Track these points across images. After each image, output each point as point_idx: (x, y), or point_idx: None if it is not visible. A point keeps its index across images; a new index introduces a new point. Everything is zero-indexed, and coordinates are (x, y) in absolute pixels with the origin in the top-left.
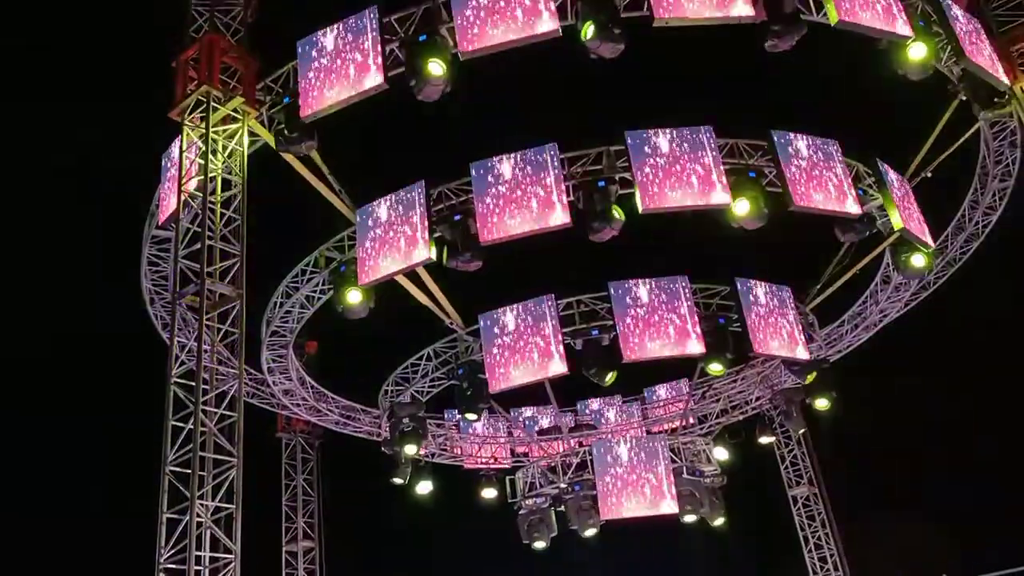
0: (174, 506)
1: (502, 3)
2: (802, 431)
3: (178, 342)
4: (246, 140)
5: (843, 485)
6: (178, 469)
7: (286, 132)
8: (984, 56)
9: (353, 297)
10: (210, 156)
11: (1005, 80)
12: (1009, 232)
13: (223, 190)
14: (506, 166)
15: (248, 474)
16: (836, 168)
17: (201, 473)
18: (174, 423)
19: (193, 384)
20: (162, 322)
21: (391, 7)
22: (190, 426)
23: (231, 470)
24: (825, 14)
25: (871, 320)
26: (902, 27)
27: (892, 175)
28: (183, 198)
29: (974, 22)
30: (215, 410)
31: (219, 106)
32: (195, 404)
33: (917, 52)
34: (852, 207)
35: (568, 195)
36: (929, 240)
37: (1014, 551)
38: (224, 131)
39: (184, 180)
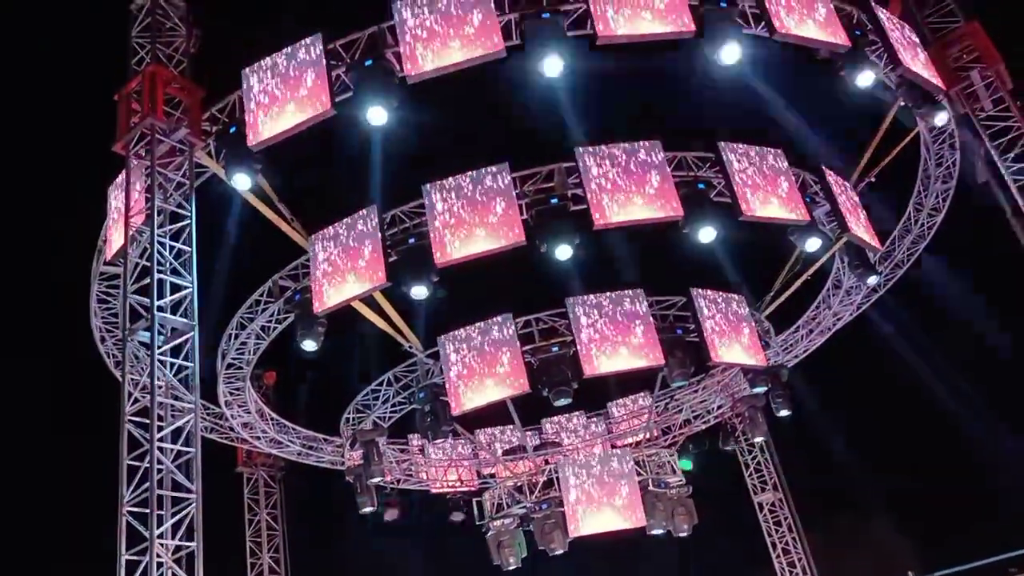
0: (133, 547)
1: (446, 26)
2: (764, 438)
3: (131, 379)
4: (193, 172)
5: (807, 489)
6: (136, 509)
7: (233, 162)
8: (919, 63)
9: (311, 345)
10: (156, 189)
11: (940, 85)
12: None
13: (172, 222)
14: (458, 186)
15: (209, 511)
16: (782, 176)
17: (160, 512)
18: (130, 462)
19: (148, 421)
20: (114, 360)
21: (335, 34)
22: (146, 464)
23: (190, 507)
24: (764, 27)
25: (825, 324)
26: (840, 38)
27: (837, 181)
28: (131, 233)
29: (908, 30)
30: (171, 447)
31: (164, 138)
32: (150, 441)
33: (864, 80)
34: (801, 214)
35: (521, 213)
36: (876, 243)
37: (975, 545)
38: (170, 163)
39: (131, 214)
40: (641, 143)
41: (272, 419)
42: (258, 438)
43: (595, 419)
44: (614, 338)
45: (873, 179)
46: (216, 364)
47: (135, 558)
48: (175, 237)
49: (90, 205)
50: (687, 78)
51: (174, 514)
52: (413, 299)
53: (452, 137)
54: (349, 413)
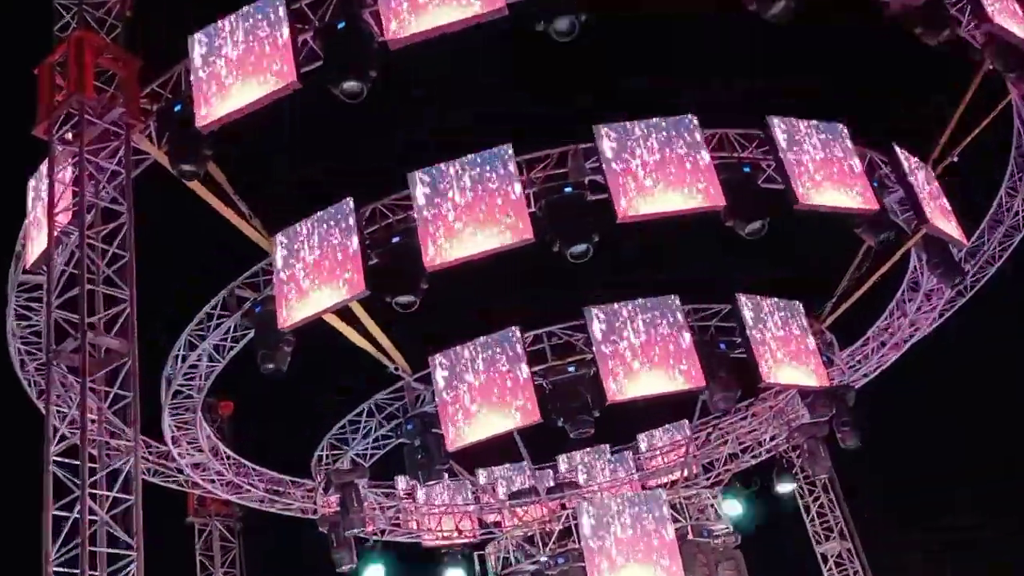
0: None
1: None
2: (828, 475)
3: (57, 412)
4: (130, 159)
5: (882, 537)
6: (64, 569)
7: (179, 147)
8: (1013, 18)
9: (275, 367)
10: (86, 181)
11: None
12: None
13: (105, 221)
14: (452, 174)
15: (153, 571)
16: (845, 156)
17: (93, 572)
18: (56, 512)
19: (78, 463)
20: (37, 388)
21: None
22: (76, 515)
23: (130, 567)
24: None
25: (901, 336)
26: None
27: (912, 162)
28: (55, 234)
29: None
30: (107, 493)
31: (94, 119)
32: (81, 487)
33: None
34: (869, 202)
35: (529, 205)
36: (960, 236)
37: None
38: (103, 149)
39: (56, 211)
40: (673, 118)
41: (229, 458)
42: (212, 481)
43: (621, 454)
44: (643, 356)
45: (956, 158)
46: (160, 393)
47: None
48: (109, 239)
49: (5, 200)
50: (728, 37)
51: (110, 575)
52: (399, 310)
53: (444, 114)
54: (322, 450)
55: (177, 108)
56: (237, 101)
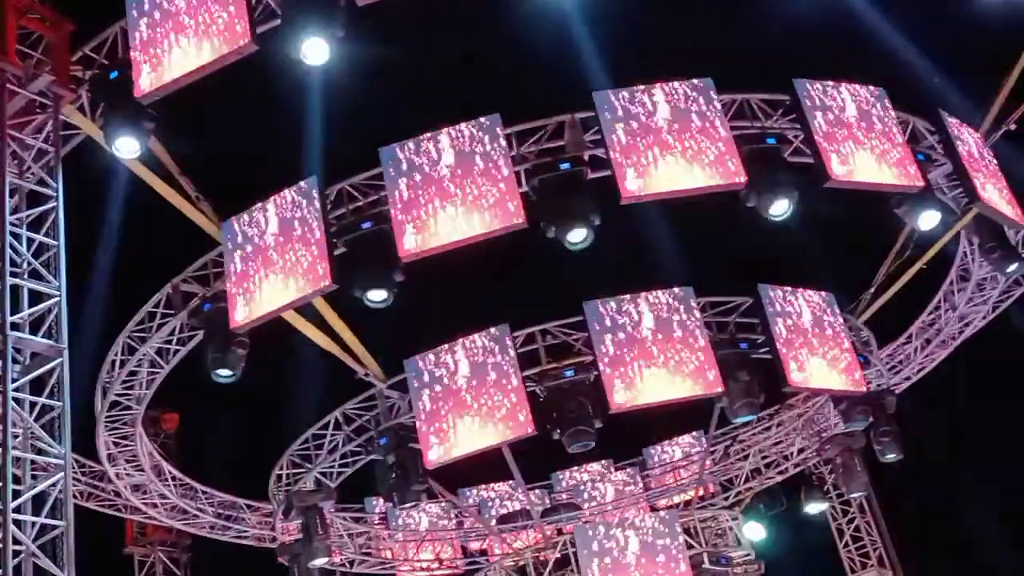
0: None
1: None
2: (865, 493)
3: None
4: (59, 135)
5: (928, 566)
6: None
7: (115, 120)
8: None
9: (227, 373)
10: (9, 159)
11: None
12: None
13: (31, 206)
14: (431, 149)
15: None
16: (885, 125)
17: None
18: None
19: None
20: None
21: None
22: None
23: None
24: None
25: (948, 332)
26: None
27: (964, 131)
28: None
29: None
30: (32, 519)
31: (18, 88)
32: (3, 512)
33: None
34: (911, 178)
35: (520, 184)
36: (1018, 216)
37: None
38: (28, 123)
39: None
40: (687, 82)
41: (174, 479)
42: (155, 506)
43: (627, 471)
44: (652, 357)
45: (1013, 126)
46: (95, 403)
47: None
48: (35, 226)
49: None
50: None
51: None
52: (369, 307)
53: (421, 80)
54: (282, 468)
55: (113, 75)
56: (182, 66)
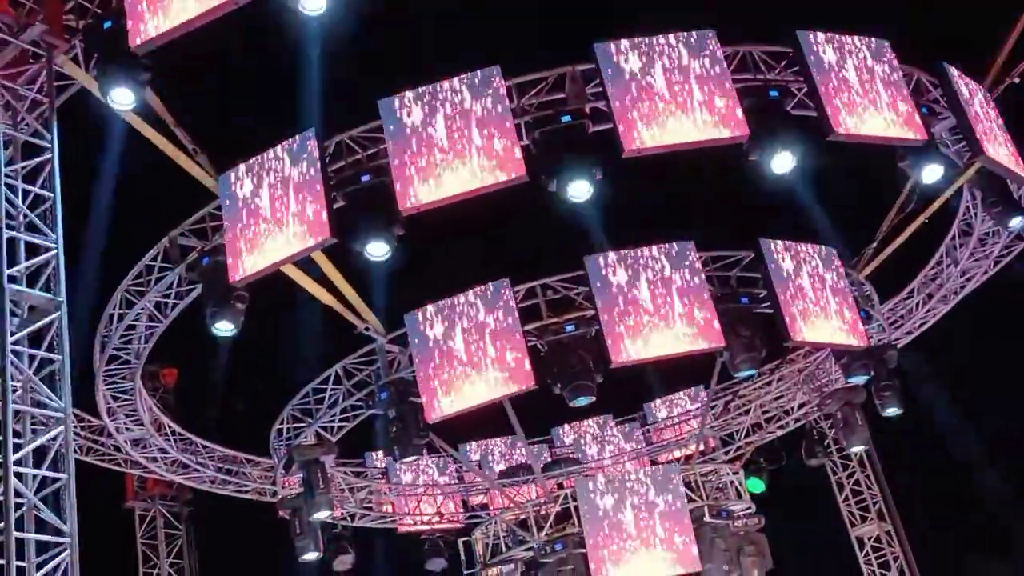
0: None
1: None
2: (865, 448)
3: None
4: (53, 86)
5: (926, 519)
6: None
7: (110, 71)
8: None
9: (227, 327)
10: (2, 111)
11: None
12: None
13: (26, 157)
14: (430, 101)
15: (89, 561)
16: (890, 78)
17: (20, 563)
18: None
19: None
20: None
21: None
22: None
23: (62, 555)
24: None
25: (950, 287)
26: None
27: (966, 84)
28: None
29: None
30: (34, 471)
31: (10, 38)
32: (4, 465)
33: None
34: (914, 131)
35: (521, 137)
36: (1021, 169)
37: None
38: (21, 74)
39: None
40: (688, 33)
41: (174, 433)
42: (155, 460)
43: (628, 425)
44: (653, 311)
45: (1018, 79)
46: (94, 357)
47: None
48: (31, 178)
49: None
50: None
51: (40, 565)
52: (370, 261)
53: (420, 30)
54: (282, 423)
55: (107, 25)
56: (179, 15)
